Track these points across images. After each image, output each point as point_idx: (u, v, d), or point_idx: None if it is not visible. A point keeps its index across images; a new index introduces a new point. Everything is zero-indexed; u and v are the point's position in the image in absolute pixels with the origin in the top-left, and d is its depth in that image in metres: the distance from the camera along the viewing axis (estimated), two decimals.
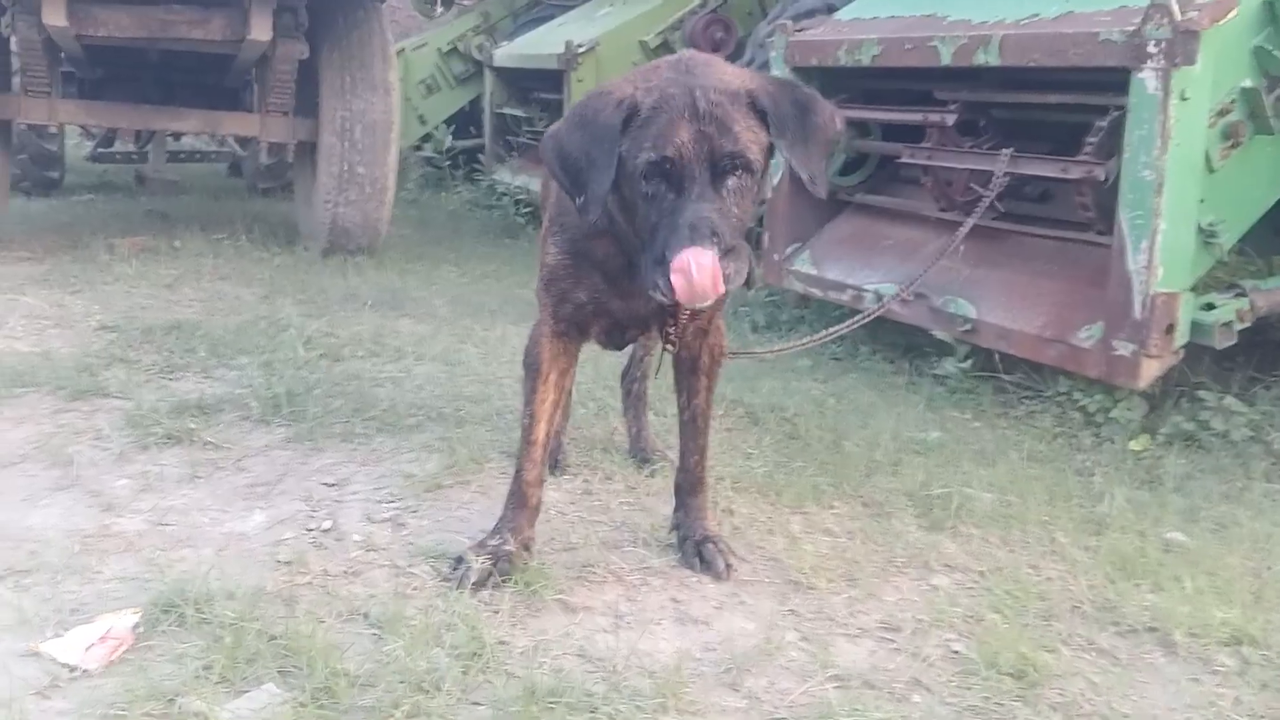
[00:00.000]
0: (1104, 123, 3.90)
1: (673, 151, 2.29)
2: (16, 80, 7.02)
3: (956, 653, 2.47)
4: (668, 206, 2.31)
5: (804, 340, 3.78)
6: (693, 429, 2.96)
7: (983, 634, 2.51)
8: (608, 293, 2.72)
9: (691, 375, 2.94)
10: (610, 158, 2.35)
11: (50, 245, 6.64)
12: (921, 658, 2.43)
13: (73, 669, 2.25)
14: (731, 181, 2.33)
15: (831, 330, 3.70)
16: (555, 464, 3.40)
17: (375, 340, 4.84)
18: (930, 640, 2.51)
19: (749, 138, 2.34)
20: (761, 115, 2.39)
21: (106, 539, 2.84)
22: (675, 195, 2.31)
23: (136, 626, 2.39)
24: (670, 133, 2.29)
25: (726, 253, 2.25)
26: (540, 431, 2.79)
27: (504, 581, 2.64)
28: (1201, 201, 3.72)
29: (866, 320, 3.73)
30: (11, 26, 6.14)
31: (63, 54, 6.90)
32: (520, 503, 2.80)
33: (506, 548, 2.72)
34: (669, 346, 2.82)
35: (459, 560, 2.71)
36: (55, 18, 5.90)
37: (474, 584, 2.61)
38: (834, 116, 2.53)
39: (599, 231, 2.60)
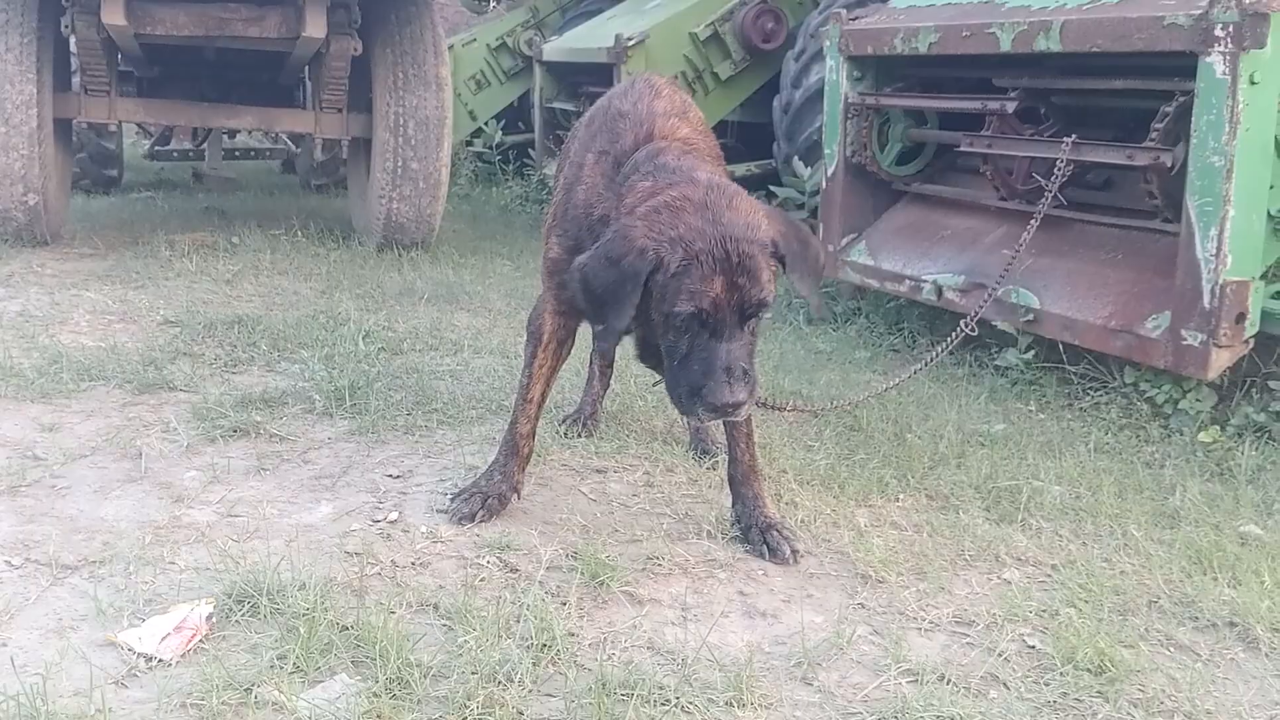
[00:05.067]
0: (1170, 108, 3.82)
1: (709, 304, 2.46)
2: (76, 79, 7.13)
3: (1032, 648, 2.44)
4: (701, 345, 2.51)
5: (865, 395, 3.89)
6: None
7: (1058, 629, 2.47)
8: None
9: None
10: (631, 298, 2.51)
11: (111, 242, 6.75)
12: (996, 653, 2.40)
13: (149, 659, 2.28)
14: (754, 323, 2.55)
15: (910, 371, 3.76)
16: (585, 426, 3.73)
17: (433, 334, 4.86)
18: (1004, 635, 2.47)
19: (771, 283, 2.54)
20: (779, 258, 2.59)
21: (178, 530, 2.87)
22: (709, 337, 2.50)
23: (211, 617, 2.41)
24: (707, 287, 2.45)
25: (745, 375, 2.51)
26: (536, 391, 3.12)
27: (492, 516, 2.99)
28: (1272, 188, 3.64)
29: (959, 337, 3.75)
30: (71, 26, 6.23)
31: (120, 53, 6.99)
32: (513, 450, 3.11)
33: (501, 487, 3.06)
34: None
35: (455, 497, 3.05)
36: (114, 17, 5.98)
37: (465, 515, 2.96)
38: (821, 250, 2.82)
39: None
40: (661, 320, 2.54)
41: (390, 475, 3.30)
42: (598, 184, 2.88)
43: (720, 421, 3.06)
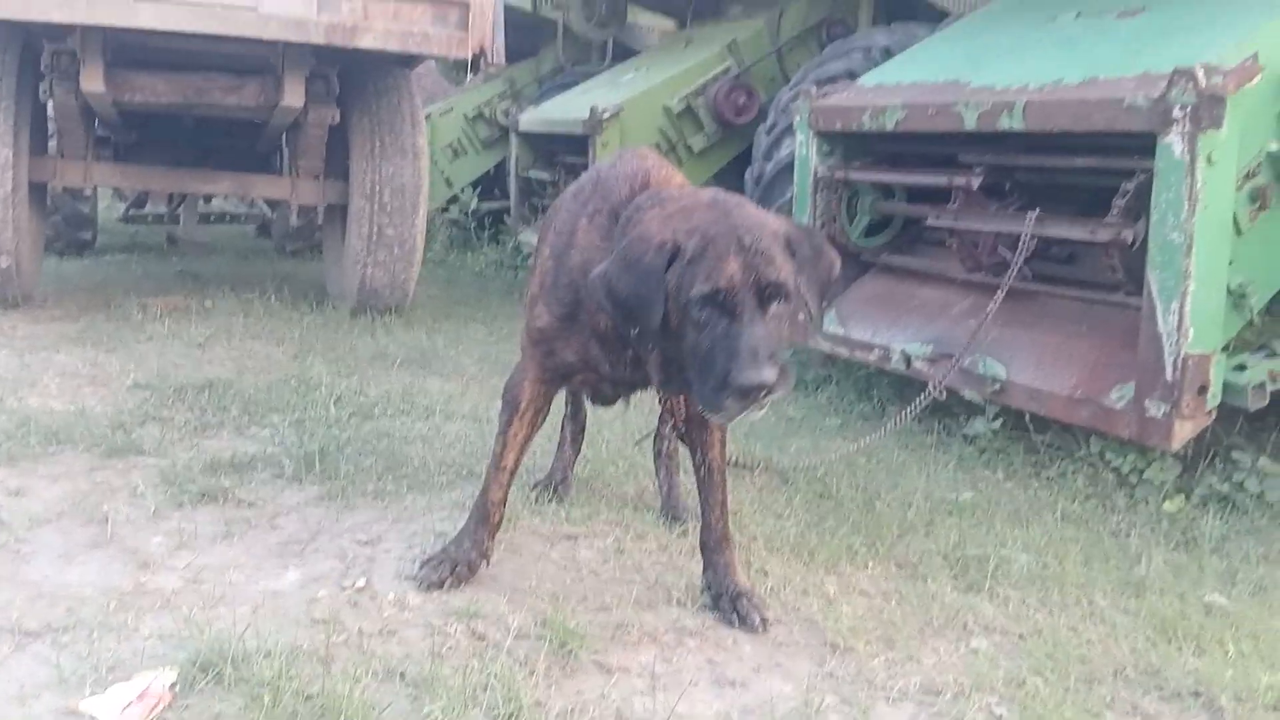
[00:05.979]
0: (1131, 185, 3.91)
1: (725, 282, 2.43)
2: (52, 143, 7.15)
3: (999, 717, 2.44)
4: (722, 332, 2.44)
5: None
6: (710, 483, 3.04)
7: (1025, 698, 2.48)
8: (600, 358, 2.88)
9: (702, 429, 3.01)
10: (658, 294, 2.49)
11: (84, 305, 6.73)
12: None
13: None
14: (774, 308, 2.49)
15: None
16: (556, 491, 3.73)
17: (405, 399, 4.86)
18: (972, 704, 2.48)
19: (787, 269, 2.52)
20: (792, 254, 2.57)
21: (143, 596, 2.84)
22: (729, 321, 2.44)
23: (174, 685, 2.39)
24: (723, 266, 2.44)
25: (773, 358, 2.42)
26: (510, 459, 3.11)
27: (461, 584, 2.98)
28: (1231, 263, 3.72)
29: (924, 404, 3.79)
30: (49, 92, 6.28)
31: (98, 118, 7.03)
32: (484, 518, 3.10)
33: (470, 554, 3.05)
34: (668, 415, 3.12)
35: (424, 563, 3.04)
36: (93, 84, 6.03)
37: (434, 583, 2.96)
38: (835, 262, 2.74)
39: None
40: (682, 314, 2.49)
41: (359, 541, 3.29)
42: (594, 242, 2.83)
43: (696, 487, 3.08)
